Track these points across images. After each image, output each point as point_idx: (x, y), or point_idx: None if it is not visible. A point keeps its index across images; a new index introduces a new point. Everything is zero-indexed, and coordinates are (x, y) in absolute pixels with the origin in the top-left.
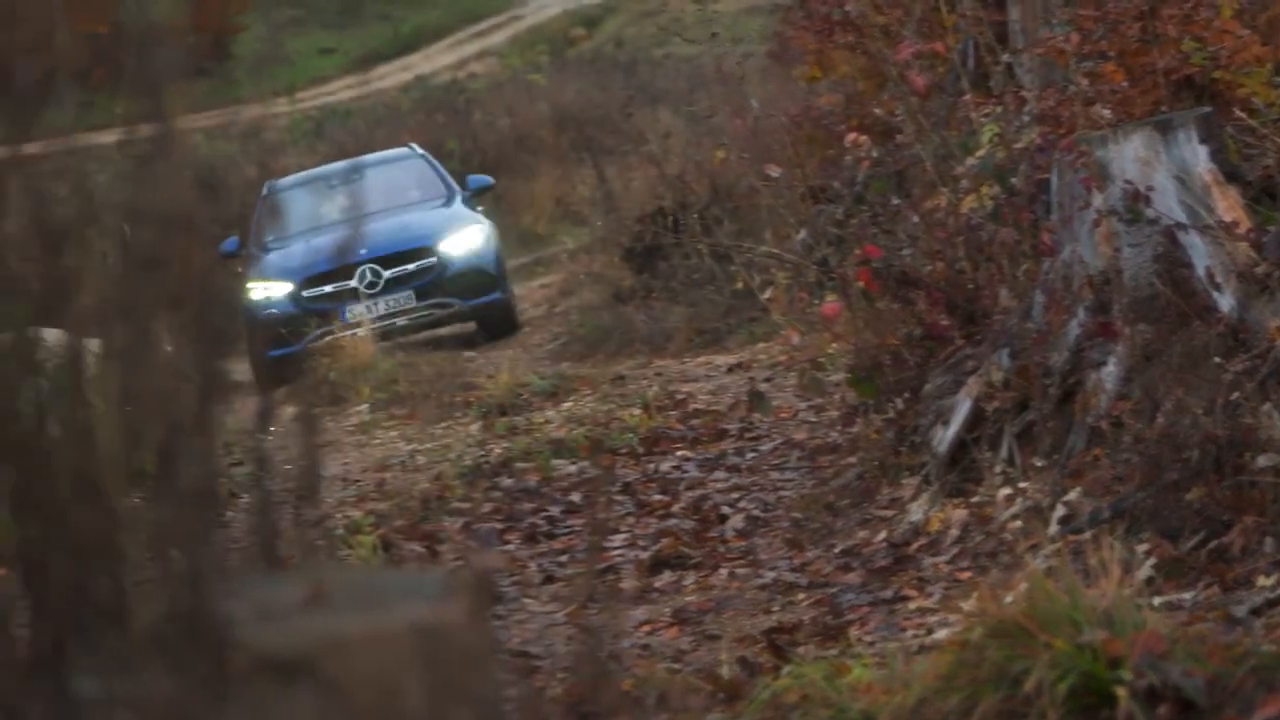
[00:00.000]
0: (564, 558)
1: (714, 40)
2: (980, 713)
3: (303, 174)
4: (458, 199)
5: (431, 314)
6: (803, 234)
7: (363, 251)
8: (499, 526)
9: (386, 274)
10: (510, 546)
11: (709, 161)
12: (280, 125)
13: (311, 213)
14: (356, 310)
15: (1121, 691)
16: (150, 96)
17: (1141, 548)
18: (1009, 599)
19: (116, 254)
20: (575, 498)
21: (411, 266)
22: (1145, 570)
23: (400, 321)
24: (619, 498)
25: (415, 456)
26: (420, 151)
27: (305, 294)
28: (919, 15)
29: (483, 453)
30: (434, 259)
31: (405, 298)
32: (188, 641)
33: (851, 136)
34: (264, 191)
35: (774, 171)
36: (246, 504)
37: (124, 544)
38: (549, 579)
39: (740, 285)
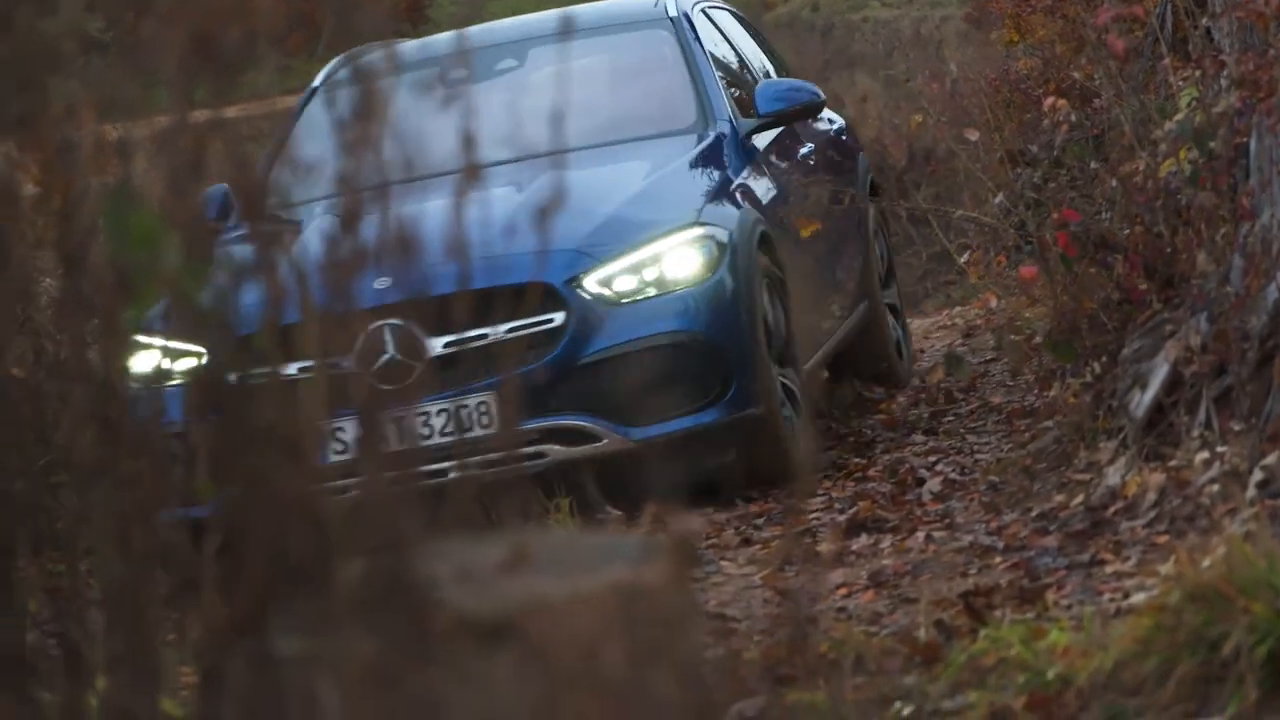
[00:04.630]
0: (761, 521)
1: (912, 4)
2: (1177, 677)
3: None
4: (707, 141)
5: (528, 460)
6: (1000, 198)
7: (380, 283)
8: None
9: (440, 345)
10: (708, 510)
11: (906, 125)
12: None
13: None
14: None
15: None
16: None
17: None
18: (1206, 563)
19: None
20: None
21: (497, 331)
22: None
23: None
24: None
25: None
26: (677, 9)
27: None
28: None
29: None
30: (552, 317)
31: (476, 412)
32: (389, 603)
33: (1049, 100)
34: (316, 81)
35: (972, 135)
36: (447, 466)
37: (325, 505)
38: (746, 542)
39: (937, 249)
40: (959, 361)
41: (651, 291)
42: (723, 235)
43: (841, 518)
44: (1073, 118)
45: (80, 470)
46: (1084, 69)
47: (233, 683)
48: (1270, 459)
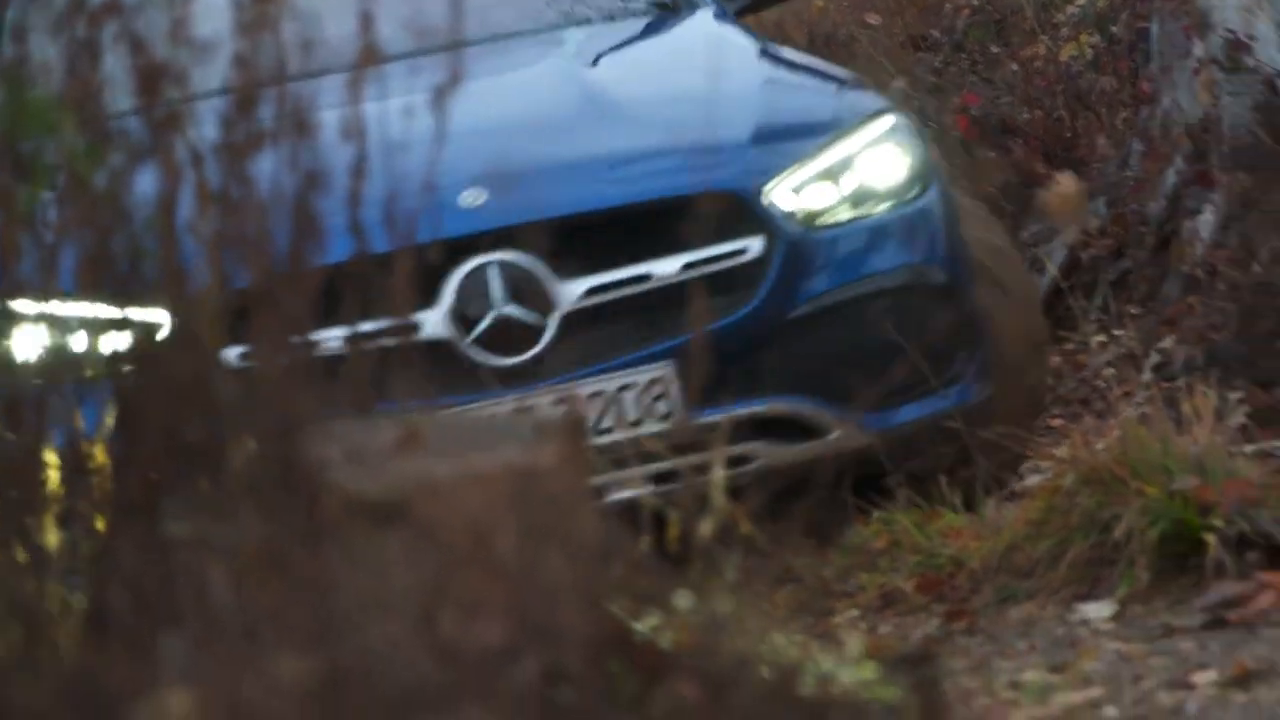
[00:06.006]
0: None
1: None
2: (1070, 559)
3: None
4: (707, 8)
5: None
6: (901, 82)
7: (467, 198)
8: None
9: (580, 291)
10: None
11: (807, 10)
12: None
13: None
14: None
15: (1211, 539)
16: None
17: (1235, 395)
18: (1101, 446)
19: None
20: None
21: (665, 268)
22: (1238, 418)
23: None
24: None
25: None
26: None
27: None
28: None
29: None
30: (745, 246)
31: (645, 397)
32: (280, 485)
33: None
34: None
35: (873, 20)
36: (338, 347)
37: (217, 388)
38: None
39: None
40: None
41: (848, 213)
42: (912, 129)
43: None
44: (974, 2)
45: None
46: None
47: (122, 565)
48: (1166, 342)
